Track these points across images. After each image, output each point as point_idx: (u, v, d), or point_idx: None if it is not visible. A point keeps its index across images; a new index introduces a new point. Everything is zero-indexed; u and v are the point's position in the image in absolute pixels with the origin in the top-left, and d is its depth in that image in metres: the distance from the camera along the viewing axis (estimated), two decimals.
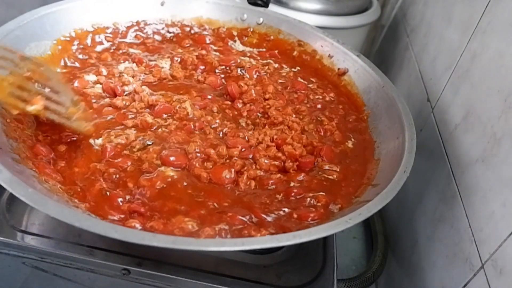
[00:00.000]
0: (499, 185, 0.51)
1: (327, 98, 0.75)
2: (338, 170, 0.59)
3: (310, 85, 0.78)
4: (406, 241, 0.77)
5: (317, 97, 0.75)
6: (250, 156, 0.59)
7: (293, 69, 0.82)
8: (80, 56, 0.73)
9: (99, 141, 0.57)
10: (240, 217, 0.49)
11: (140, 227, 0.46)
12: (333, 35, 0.81)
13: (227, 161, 0.58)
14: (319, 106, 0.73)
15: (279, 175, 0.57)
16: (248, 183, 0.55)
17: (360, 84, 0.75)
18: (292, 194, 0.54)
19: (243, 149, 0.60)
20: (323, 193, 0.55)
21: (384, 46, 1.25)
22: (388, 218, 0.88)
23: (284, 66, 0.82)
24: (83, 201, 0.49)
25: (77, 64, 0.71)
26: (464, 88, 0.65)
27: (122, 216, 0.48)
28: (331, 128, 0.67)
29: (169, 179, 0.52)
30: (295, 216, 0.51)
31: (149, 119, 0.61)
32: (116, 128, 0.59)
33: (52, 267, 0.55)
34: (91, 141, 0.56)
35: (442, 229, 0.64)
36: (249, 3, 0.87)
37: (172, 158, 0.55)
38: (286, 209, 0.52)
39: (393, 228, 0.85)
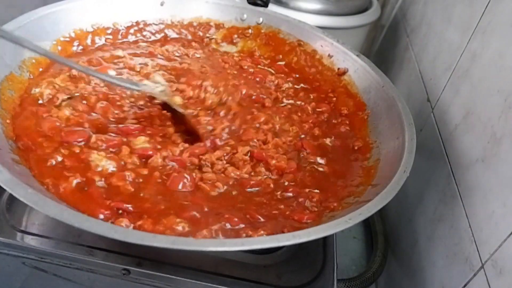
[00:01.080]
0: (499, 185, 0.51)
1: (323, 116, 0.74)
2: (324, 162, 0.61)
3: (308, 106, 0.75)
4: (406, 241, 0.77)
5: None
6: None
7: (295, 86, 0.80)
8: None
9: (38, 89, 0.61)
10: (237, 219, 0.48)
11: (130, 226, 0.46)
12: (333, 35, 0.81)
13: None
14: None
15: (259, 177, 0.57)
16: (215, 185, 0.54)
17: (360, 84, 0.75)
18: (289, 190, 0.55)
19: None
20: (318, 191, 0.56)
21: (384, 46, 1.25)
22: (388, 218, 0.88)
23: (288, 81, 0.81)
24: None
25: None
26: (464, 88, 0.65)
27: (108, 212, 0.47)
28: (310, 126, 0.69)
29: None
30: (290, 216, 0.51)
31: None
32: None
33: (52, 267, 0.55)
34: (32, 90, 0.61)
35: (442, 229, 0.64)
36: (249, 3, 0.87)
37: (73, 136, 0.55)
38: (280, 209, 0.52)
39: (393, 228, 0.85)
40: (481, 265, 0.51)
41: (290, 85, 0.80)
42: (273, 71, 0.83)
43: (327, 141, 0.67)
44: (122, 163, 0.53)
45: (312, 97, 0.78)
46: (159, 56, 0.78)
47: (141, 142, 0.57)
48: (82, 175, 0.50)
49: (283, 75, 0.82)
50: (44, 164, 0.51)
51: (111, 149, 0.55)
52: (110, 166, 0.52)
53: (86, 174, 0.51)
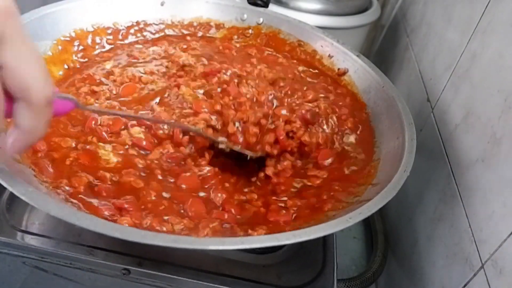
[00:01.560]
0: (499, 185, 0.51)
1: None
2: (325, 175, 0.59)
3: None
4: (406, 240, 0.77)
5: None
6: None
7: (311, 69, 0.81)
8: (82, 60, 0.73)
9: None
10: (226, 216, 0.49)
11: (132, 224, 0.45)
12: (333, 35, 0.81)
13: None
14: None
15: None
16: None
17: (360, 84, 0.75)
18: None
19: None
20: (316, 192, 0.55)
21: (384, 46, 1.25)
22: (388, 217, 0.88)
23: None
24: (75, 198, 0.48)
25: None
26: (464, 88, 0.65)
27: (112, 212, 0.47)
28: (343, 118, 0.67)
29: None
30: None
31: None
32: None
33: (52, 267, 0.55)
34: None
35: (442, 229, 0.64)
36: (249, 3, 0.87)
37: None
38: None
39: (393, 228, 0.85)
40: (481, 265, 0.51)
41: (305, 68, 0.80)
42: (281, 57, 0.83)
43: (352, 138, 0.65)
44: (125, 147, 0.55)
45: (330, 80, 0.78)
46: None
47: (136, 132, 0.58)
48: (94, 173, 0.51)
49: (294, 61, 0.82)
50: (61, 165, 0.51)
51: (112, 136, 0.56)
52: (117, 158, 0.54)
53: (97, 172, 0.51)
